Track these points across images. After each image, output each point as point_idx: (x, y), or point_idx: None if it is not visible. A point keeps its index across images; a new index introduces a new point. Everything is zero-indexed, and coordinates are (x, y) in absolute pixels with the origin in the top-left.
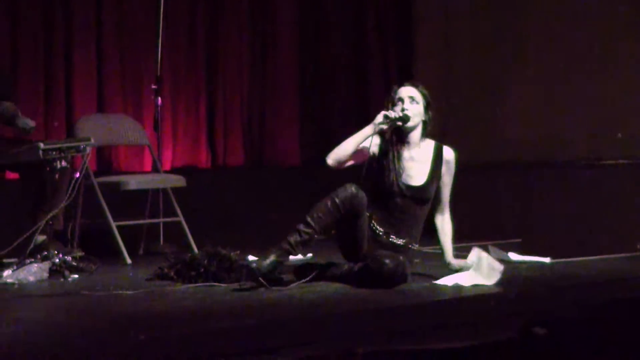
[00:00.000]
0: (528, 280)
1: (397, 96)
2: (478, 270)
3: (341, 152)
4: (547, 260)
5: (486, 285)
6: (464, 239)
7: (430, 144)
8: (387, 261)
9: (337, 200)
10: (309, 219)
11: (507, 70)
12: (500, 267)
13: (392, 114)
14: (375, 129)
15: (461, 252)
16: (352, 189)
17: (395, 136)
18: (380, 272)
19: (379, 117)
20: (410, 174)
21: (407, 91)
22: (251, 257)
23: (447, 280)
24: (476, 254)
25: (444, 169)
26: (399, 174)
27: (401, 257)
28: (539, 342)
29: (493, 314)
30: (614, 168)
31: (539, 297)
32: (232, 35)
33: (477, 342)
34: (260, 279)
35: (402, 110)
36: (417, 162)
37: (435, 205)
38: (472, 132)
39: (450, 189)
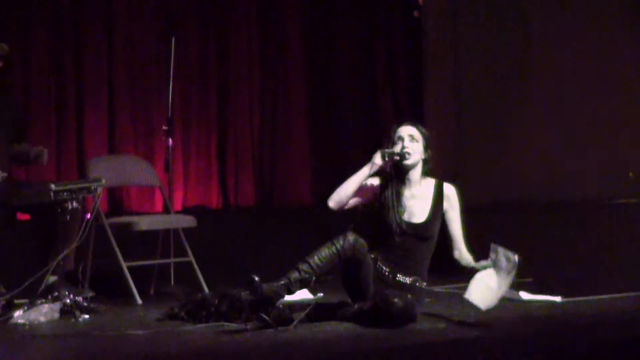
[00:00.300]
0: (539, 319)
1: (396, 135)
2: (497, 265)
3: (342, 193)
4: (558, 299)
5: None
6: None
7: (430, 182)
8: (396, 300)
9: (335, 249)
10: (309, 262)
11: (519, 109)
12: (515, 256)
13: (388, 150)
14: (373, 167)
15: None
16: (351, 238)
17: (396, 175)
18: (389, 311)
19: (377, 156)
20: (411, 211)
21: (406, 130)
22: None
23: (473, 289)
24: (492, 249)
25: (445, 205)
26: (400, 212)
27: (409, 296)
28: None
29: (504, 353)
30: (625, 207)
31: (551, 335)
32: (243, 77)
33: None
34: (266, 318)
35: (402, 148)
36: (418, 200)
37: (450, 244)
38: (484, 172)
39: (460, 224)
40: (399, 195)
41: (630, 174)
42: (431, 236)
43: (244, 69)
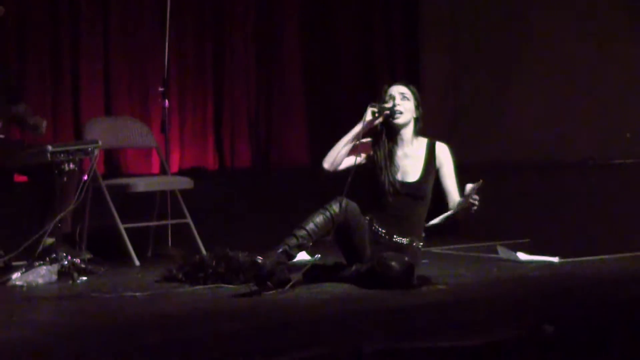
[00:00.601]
0: (536, 279)
1: (387, 94)
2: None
3: (335, 153)
4: (555, 259)
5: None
6: (473, 239)
7: (422, 141)
8: (393, 263)
9: (329, 214)
10: (305, 227)
11: (515, 69)
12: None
13: (379, 105)
14: (364, 124)
15: (472, 251)
16: (342, 202)
17: (388, 135)
18: (387, 274)
19: (367, 112)
20: (405, 171)
21: (397, 89)
22: (259, 259)
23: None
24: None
25: (437, 163)
26: (393, 172)
27: (406, 258)
28: (547, 339)
29: (501, 313)
30: (622, 167)
31: (548, 295)
32: (238, 37)
33: (485, 341)
34: (267, 282)
35: (393, 105)
36: (411, 160)
37: (445, 199)
38: (480, 132)
39: (455, 180)
40: (391, 155)
41: (628, 135)
42: (424, 195)
43: (240, 30)
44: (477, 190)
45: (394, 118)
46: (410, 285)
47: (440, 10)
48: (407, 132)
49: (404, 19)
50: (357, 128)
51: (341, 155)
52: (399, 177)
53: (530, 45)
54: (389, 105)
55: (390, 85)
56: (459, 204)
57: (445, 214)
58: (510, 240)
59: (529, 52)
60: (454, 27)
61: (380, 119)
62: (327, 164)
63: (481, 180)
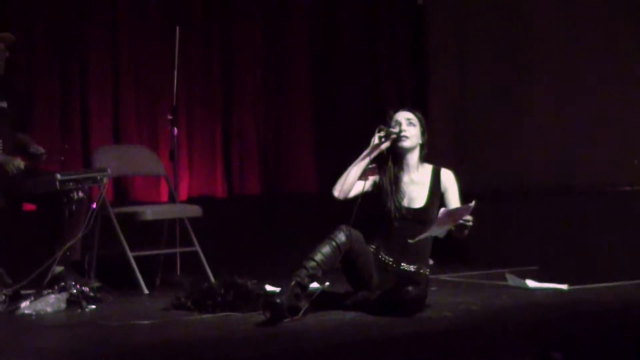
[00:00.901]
0: (545, 306)
1: (393, 120)
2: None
3: (344, 181)
4: (564, 287)
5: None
6: (481, 267)
7: (428, 168)
8: (409, 289)
9: (334, 244)
10: (315, 259)
11: (524, 95)
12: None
13: (385, 128)
14: (372, 149)
15: (480, 279)
16: (346, 230)
17: (394, 160)
18: (403, 300)
19: (375, 137)
20: (411, 197)
21: (403, 114)
22: (268, 287)
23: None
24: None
25: (442, 187)
26: (399, 198)
27: (421, 285)
28: None
29: (509, 339)
30: (631, 195)
31: (556, 322)
32: (247, 65)
33: None
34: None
35: (400, 131)
36: (416, 186)
37: None
38: (489, 159)
39: (460, 204)
40: (397, 181)
41: (636, 162)
42: (430, 221)
43: (248, 58)
44: (470, 211)
45: (400, 142)
46: (421, 310)
47: (448, 34)
48: (413, 158)
49: (410, 46)
50: (365, 153)
51: (350, 182)
52: (405, 203)
53: (540, 67)
54: (395, 130)
55: (396, 111)
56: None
57: (430, 232)
58: (519, 268)
59: (539, 74)
60: (461, 51)
61: (387, 143)
62: (337, 191)
63: (474, 202)
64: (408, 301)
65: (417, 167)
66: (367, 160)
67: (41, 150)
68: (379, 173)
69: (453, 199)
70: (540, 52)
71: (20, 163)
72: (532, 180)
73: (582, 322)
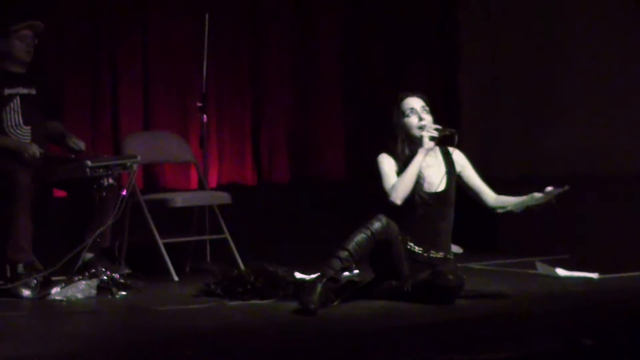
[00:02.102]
0: (575, 294)
1: (407, 107)
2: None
3: (405, 187)
4: (594, 275)
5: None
6: (512, 255)
7: (436, 150)
8: (450, 277)
9: (370, 233)
10: (348, 249)
11: (553, 81)
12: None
13: (435, 133)
14: (427, 153)
15: (510, 267)
16: (383, 220)
17: (409, 148)
18: (447, 286)
19: (428, 142)
20: (430, 181)
21: (417, 101)
22: (298, 274)
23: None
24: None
25: (458, 167)
26: (420, 184)
27: (457, 272)
28: (586, 353)
29: (540, 326)
30: None
31: (587, 309)
32: (276, 51)
33: (524, 354)
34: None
35: (455, 132)
36: (432, 168)
37: (479, 198)
38: (519, 146)
39: (480, 176)
40: None
41: None
42: (452, 202)
43: (278, 44)
44: (559, 194)
45: (454, 144)
46: (457, 297)
47: (480, 25)
48: (426, 142)
49: (441, 33)
50: (420, 157)
51: (409, 187)
52: (425, 187)
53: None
54: (447, 131)
55: (405, 96)
56: (537, 198)
57: (522, 199)
58: (550, 257)
59: (569, 64)
60: (492, 44)
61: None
62: (398, 199)
63: (567, 187)
64: (449, 288)
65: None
66: (421, 162)
67: (80, 145)
68: (395, 160)
69: (473, 175)
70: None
71: (36, 150)
72: (563, 168)
73: (612, 310)
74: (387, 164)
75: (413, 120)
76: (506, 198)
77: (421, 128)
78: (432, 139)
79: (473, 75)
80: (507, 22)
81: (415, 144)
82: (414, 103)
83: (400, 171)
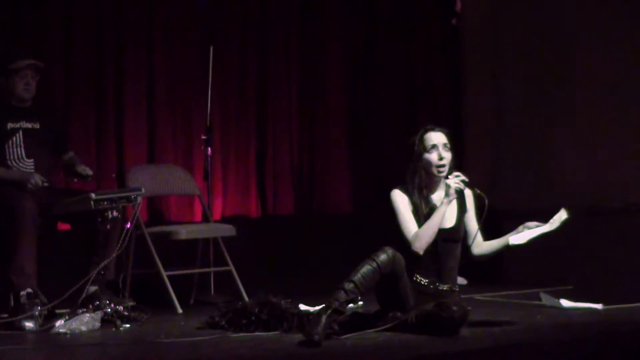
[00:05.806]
0: (580, 325)
1: (429, 142)
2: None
3: (428, 238)
4: (599, 306)
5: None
6: (516, 286)
7: (443, 183)
8: (455, 308)
9: (376, 265)
10: (354, 281)
11: (557, 114)
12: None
13: (461, 185)
14: (449, 202)
15: (514, 298)
16: (390, 252)
17: (424, 184)
18: (451, 318)
19: (453, 194)
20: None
21: (440, 137)
22: (302, 306)
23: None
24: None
25: (468, 205)
26: None
27: (461, 303)
28: None
29: (544, 358)
30: None
31: (591, 341)
32: (281, 84)
33: None
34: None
35: (440, 158)
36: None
37: (468, 243)
38: (523, 179)
39: (478, 223)
40: (428, 203)
41: None
42: (460, 239)
43: (283, 77)
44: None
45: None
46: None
47: (483, 54)
48: (442, 180)
49: (445, 66)
50: (444, 207)
51: (432, 238)
52: None
53: (573, 88)
54: (476, 191)
55: (427, 131)
56: (539, 227)
57: (530, 236)
58: (554, 287)
59: (573, 95)
60: (494, 70)
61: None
62: (421, 250)
63: (569, 213)
64: (454, 319)
65: (442, 186)
66: (444, 212)
67: (88, 171)
68: (409, 195)
69: (472, 217)
70: (579, 69)
71: (39, 179)
72: (567, 199)
73: (617, 341)
74: (401, 203)
75: (433, 157)
76: (488, 245)
77: (440, 168)
78: (459, 190)
79: (477, 110)
80: (514, 57)
81: (431, 179)
82: (437, 139)
83: (415, 208)
